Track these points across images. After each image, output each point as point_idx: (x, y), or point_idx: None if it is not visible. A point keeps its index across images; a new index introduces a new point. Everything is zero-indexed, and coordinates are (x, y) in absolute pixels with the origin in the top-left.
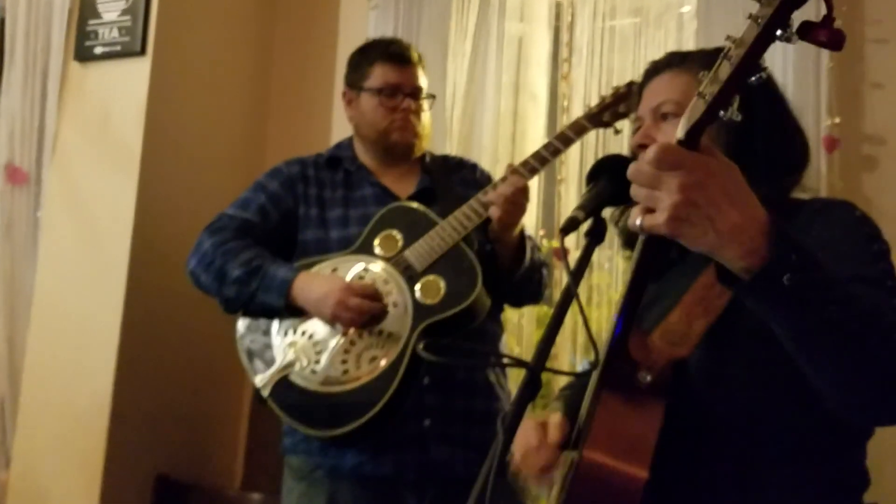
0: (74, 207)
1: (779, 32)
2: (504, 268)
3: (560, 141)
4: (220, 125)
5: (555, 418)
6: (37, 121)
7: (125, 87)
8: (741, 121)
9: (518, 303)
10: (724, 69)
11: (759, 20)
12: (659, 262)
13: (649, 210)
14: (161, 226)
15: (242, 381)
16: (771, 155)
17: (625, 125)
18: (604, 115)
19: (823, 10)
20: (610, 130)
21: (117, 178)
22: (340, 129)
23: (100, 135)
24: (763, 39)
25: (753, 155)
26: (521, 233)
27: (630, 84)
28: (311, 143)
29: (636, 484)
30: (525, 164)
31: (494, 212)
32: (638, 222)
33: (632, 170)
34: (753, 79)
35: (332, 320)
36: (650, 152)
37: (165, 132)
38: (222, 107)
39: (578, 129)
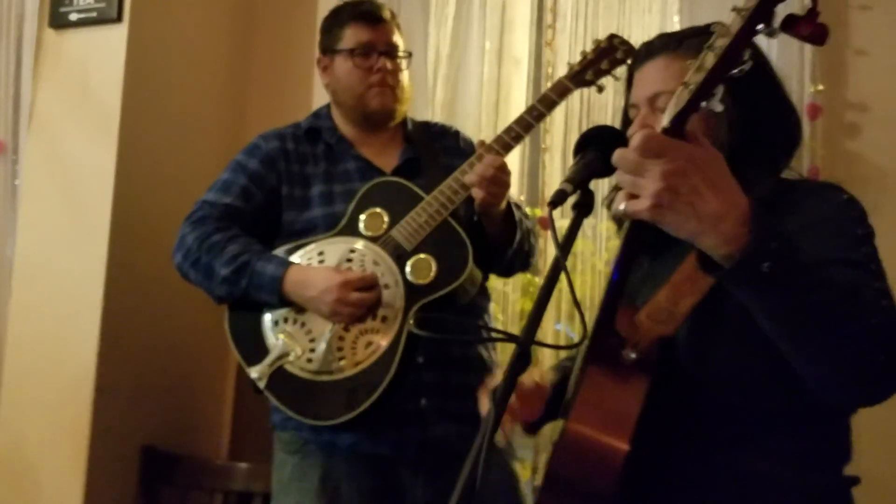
0: (54, 176)
1: (760, 26)
2: (494, 242)
3: (543, 105)
4: (200, 91)
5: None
6: (12, 89)
7: (102, 54)
8: (740, 111)
9: (508, 273)
10: (709, 59)
11: (743, 13)
12: (656, 241)
13: (633, 196)
14: (142, 193)
15: (228, 351)
16: (769, 141)
17: (608, 82)
18: (586, 73)
19: (808, 3)
20: (595, 93)
21: (97, 145)
22: (321, 94)
23: (78, 102)
24: (745, 33)
25: (753, 143)
26: (509, 205)
27: (611, 37)
28: (292, 108)
29: (617, 456)
30: (499, 140)
31: (477, 193)
32: (622, 208)
33: (616, 156)
34: (735, 71)
35: (330, 317)
36: (634, 140)
37: (144, 99)
38: (202, 73)
39: (562, 91)
